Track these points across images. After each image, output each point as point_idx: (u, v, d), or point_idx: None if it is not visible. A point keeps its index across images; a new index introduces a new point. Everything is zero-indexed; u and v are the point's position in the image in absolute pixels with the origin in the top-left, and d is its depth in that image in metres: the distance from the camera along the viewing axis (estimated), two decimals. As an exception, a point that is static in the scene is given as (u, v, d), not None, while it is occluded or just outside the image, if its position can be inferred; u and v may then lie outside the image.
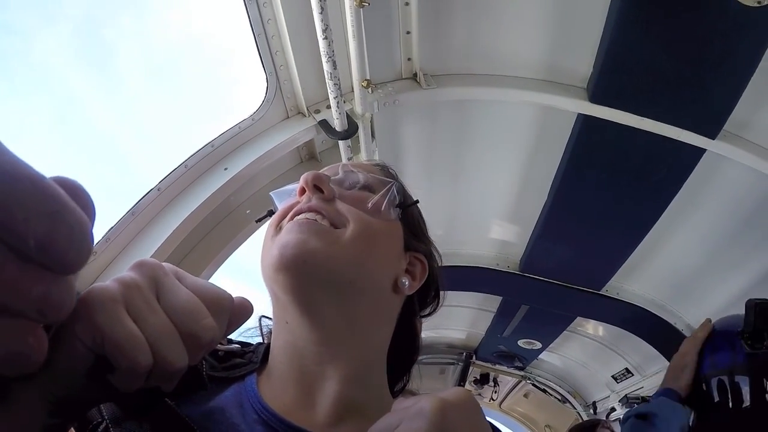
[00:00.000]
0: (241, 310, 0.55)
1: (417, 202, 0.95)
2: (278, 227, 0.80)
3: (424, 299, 0.97)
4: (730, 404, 1.50)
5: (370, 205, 0.83)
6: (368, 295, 0.80)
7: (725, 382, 1.55)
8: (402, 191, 0.92)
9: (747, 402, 1.47)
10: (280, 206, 0.88)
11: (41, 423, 0.43)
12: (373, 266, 0.80)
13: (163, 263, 0.52)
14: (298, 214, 0.79)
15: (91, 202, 0.34)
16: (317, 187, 0.81)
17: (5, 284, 0.30)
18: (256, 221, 0.99)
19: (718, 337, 1.68)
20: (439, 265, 0.98)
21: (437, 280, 0.97)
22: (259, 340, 0.92)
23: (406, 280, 0.84)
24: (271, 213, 0.91)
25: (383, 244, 0.83)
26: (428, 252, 0.95)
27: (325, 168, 0.94)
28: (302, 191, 0.83)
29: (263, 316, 0.92)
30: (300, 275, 0.72)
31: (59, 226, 0.31)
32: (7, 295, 0.31)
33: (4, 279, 0.30)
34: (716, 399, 1.55)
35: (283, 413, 0.72)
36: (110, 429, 0.60)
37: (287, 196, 0.90)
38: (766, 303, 1.56)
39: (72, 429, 0.53)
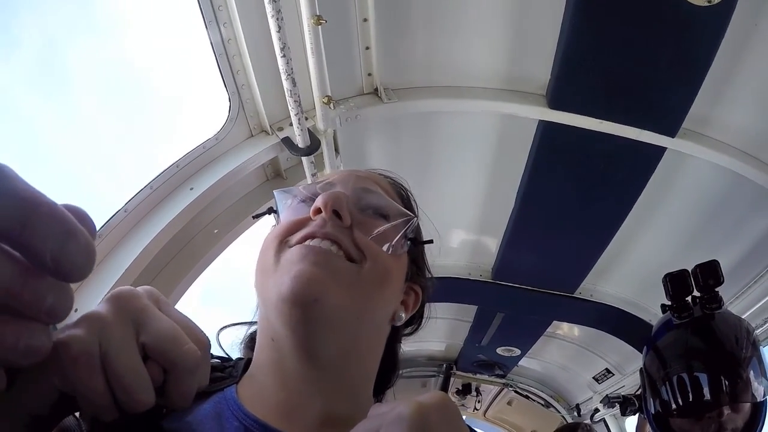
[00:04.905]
0: None
1: (431, 241, 0.92)
2: (283, 242, 0.76)
3: (409, 324, 0.95)
4: (686, 379, 1.54)
5: (389, 244, 0.79)
6: (369, 329, 0.78)
7: (670, 358, 1.61)
8: (417, 224, 0.88)
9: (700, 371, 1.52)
10: (282, 210, 0.85)
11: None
12: (380, 305, 0.78)
13: (143, 287, 0.56)
14: (312, 238, 0.74)
15: (93, 225, 0.41)
16: (336, 212, 0.76)
17: (25, 291, 0.37)
18: (253, 217, 0.98)
19: (653, 335, 1.75)
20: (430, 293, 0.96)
21: (423, 308, 0.95)
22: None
23: (402, 314, 0.83)
24: (270, 210, 0.89)
25: (393, 283, 0.80)
26: (426, 284, 0.93)
27: (333, 175, 0.89)
28: (317, 211, 0.77)
29: (222, 327, 0.90)
30: (307, 312, 0.69)
31: (70, 243, 0.37)
32: (26, 299, 0.37)
33: (23, 287, 0.36)
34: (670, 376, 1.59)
35: (266, 420, 0.70)
36: None
37: (291, 197, 0.85)
38: (675, 272, 1.68)
39: None
